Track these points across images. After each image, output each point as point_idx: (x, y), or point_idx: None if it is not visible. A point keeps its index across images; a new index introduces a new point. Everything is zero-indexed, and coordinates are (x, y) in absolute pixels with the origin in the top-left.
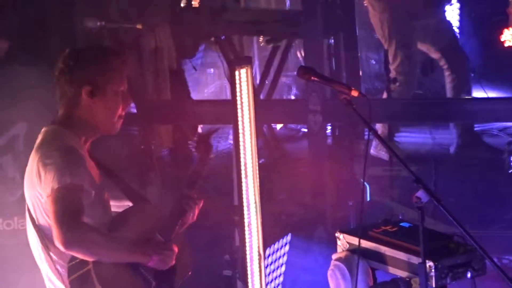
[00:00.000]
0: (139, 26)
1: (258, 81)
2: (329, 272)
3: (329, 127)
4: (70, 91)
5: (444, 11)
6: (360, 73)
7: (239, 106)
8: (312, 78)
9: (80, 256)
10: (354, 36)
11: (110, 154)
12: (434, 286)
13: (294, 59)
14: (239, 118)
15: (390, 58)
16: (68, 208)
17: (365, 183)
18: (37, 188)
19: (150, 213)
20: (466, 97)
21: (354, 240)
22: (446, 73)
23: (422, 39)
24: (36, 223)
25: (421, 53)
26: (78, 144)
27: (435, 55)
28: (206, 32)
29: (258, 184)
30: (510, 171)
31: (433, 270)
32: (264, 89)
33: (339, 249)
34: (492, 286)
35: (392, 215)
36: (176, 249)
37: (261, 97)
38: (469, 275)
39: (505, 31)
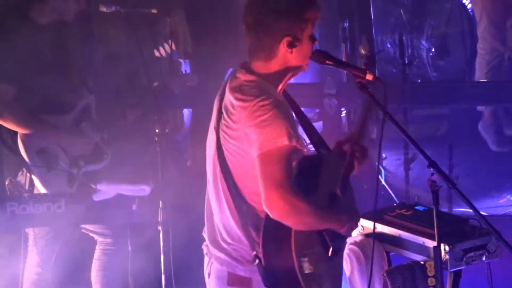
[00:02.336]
0: (154, 11)
1: None
2: (344, 256)
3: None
4: (267, 41)
5: None
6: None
7: None
8: (327, 62)
9: (287, 223)
10: (369, 19)
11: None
12: (449, 269)
13: None
14: None
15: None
16: (281, 173)
17: (380, 166)
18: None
19: (333, 165)
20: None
21: (369, 224)
22: None
23: None
24: (231, 175)
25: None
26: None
27: None
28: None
29: None
30: None
31: (448, 254)
32: None
33: (354, 233)
34: (508, 268)
35: (407, 198)
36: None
37: None
38: (484, 258)
39: None
